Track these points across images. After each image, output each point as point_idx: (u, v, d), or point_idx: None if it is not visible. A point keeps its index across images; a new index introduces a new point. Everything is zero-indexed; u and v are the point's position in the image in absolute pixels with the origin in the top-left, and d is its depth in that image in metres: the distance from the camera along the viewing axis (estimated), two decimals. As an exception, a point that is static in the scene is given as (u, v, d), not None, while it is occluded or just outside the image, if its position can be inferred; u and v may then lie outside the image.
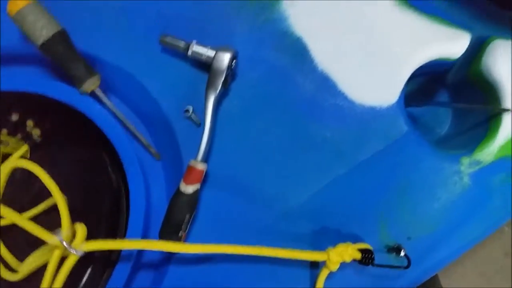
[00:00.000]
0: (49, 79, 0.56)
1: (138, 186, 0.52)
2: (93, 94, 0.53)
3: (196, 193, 0.51)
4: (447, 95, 0.65)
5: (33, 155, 0.56)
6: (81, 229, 0.46)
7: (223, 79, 0.50)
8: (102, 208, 0.57)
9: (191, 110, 0.53)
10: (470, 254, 0.88)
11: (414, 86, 0.65)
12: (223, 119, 0.55)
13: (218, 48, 0.51)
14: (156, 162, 0.56)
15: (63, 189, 0.49)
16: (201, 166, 0.51)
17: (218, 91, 0.51)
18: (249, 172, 0.54)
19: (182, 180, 0.50)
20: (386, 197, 0.54)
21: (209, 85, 0.51)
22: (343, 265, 0.51)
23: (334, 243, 0.51)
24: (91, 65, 0.53)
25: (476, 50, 0.58)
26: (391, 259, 0.55)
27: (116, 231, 0.56)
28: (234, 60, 0.52)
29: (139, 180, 0.52)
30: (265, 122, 0.55)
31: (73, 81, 0.51)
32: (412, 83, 0.66)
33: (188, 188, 0.50)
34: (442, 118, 0.64)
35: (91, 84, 0.52)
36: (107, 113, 0.52)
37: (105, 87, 0.55)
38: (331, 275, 0.52)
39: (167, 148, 0.56)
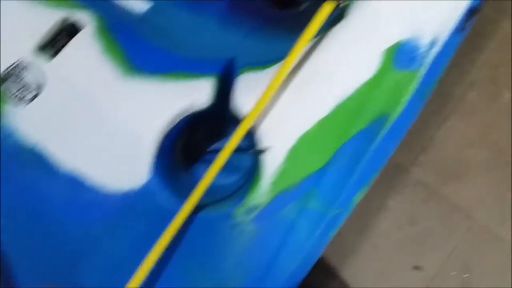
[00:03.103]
0: None
1: None
2: None
3: None
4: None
5: None
6: None
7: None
8: None
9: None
10: (364, 236, 0.87)
11: (202, 131, 0.62)
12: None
13: None
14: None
15: None
16: None
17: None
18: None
19: None
20: (177, 274, 0.53)
21: None
22: None
23: None
24: None
25: (227, 90, 0.55)
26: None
27: None
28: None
29: None
30: (39, 238, 0.54)
31: None
32: (198, 131, 0.64)
33: None
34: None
35: None
36: None
37: None
38: None
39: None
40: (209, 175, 0.51)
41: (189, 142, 0.60)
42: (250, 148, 0.53)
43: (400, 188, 0.88)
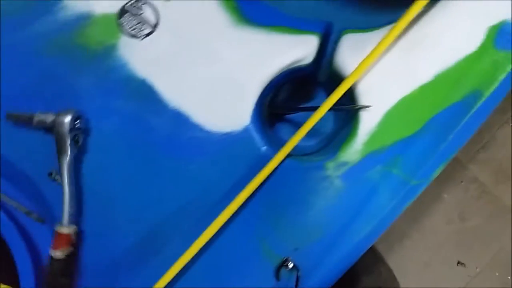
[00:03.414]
0: None
1: (21, 253, 0.54)
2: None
3: (70, 256, 0.53)
4: (324, 94, 0.64)
5: None
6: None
7: (69, 142, 0.52)
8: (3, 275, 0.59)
9: (54, 173, 0.55)
10: (414, 226, 0.89)
11: (289, 91, 0.65)
12: (88, 173, 0.56)
13: (58, 113, 0.52)
14: (42, 226, 0.58)
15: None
16: (66, 230, 0.52)
17: (68, 153, 0.52)
18: (124, 220, 0.55)
19: (51, 245, 0.52)
20: (259, 218, 0.55)
21: (58, 150, 0.52)
22: None
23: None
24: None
25: (330, 49, 0.57)
26: (284, 273, 0.56)
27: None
28: (78, 120, 0.53)
29: (21, 247, 0.54)
30: (132, 170, 0.56)
31: None
32: (285, 89, 0.66)
33: (57, 253, 0.52)
34: (326, 118, 0.63)
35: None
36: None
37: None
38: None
39: (50, 210, 0.58)
40: (307, 126, 0.53)
41: (276, 98, 0.62)
42: (351, 104, 0.55)
43: (456, 183, 0.89)
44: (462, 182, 0.91)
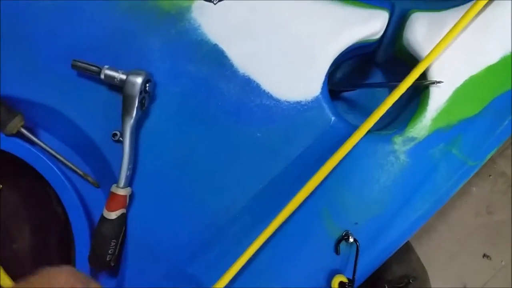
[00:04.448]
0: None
1: (79, 216, 0.53)
2: (19, 134, 0.53)
3: (122, 218, 0.51)
4: (380, 73, 0.65)
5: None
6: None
7: (137, 104, 0.50)
8: (51, 240, 0.58)
9: (118, 134, 0.53)
10: (442, 218, 0.89)
11: (346, 69, 0.65)
12: (151, 136, 0.55)
13: (130, 72, 0.51)
14: (96, 190, 0.57)
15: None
16: (123, 192, 0.51)
17: (134, 115, 0.51)
18: (184, 185, 0.55)
19: (104, 207, 0.51)
20: (323, 189, 0.55)
21: (124, 111, 0.51)
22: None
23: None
24: (13, 106, 0.53)
25: (397, 26, 0.58)
26: (342, 247, 0.55)
27: (69, 260, 0.57)
28: (148, 83, 0.52)
29: (78, 210, 0.53)
30: (195, 133, 0.55)
31: (-2, 125, 0.52)
32: (343, 67, 0.66)
33: (111, 215, 0.50)
34: (379, 98, 0.64)
35: (15, 125, 0.52)
36: (35, 151, 0.53)
37: (33, 123, 0.55)
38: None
39: (105, 174, 0.56)
40: (389, 102, 0.53)
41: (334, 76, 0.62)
42: (421, 79, 0.55)
43: (484, 177, 0.91)
44: (490, 176, 0.92)
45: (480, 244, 0.90)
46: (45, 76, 0.54)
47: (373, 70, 0.67)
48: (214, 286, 0.48)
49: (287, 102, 0.55)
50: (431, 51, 0.53)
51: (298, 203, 0.50)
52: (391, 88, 0.54)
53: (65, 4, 0.55)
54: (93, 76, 0.52)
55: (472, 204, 0.91)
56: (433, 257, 0.90)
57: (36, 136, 0.54)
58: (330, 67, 0.57)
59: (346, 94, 0.67)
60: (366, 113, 0.63)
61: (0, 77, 0.53)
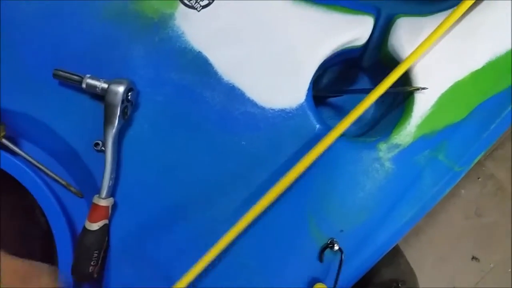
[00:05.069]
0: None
1: (61, 227, 0.53)
2: (0, 144, 0.52)
3: (104, 229, 0.51)
4: (366, 79, 0.65)
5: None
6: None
7: (118, 113, 0.50)
8: (35, 250, 0.57)
9: (101, 144, 0.53)
10: (431, 221, 0.90)
11: (331, 75, 0.65)
12: (134, 145, 0.55)
13: (111, 81, 0.51)
14: (80, 200, 0.56)
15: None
16: (105, 203, 0.51)
17: (115, 125, 0.50)
18: (168, 194, 0.54)
19: (86, 218, 0.50)
20: (309, 195, 0.55)
21: (106, 120, 0.50)
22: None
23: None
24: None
25: (383, 31, 0.58)
26: (326, 254, 0.55)
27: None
28: (131, 92, 0.51)
29: (60, 221, 0.53)
30: (179, 142, 0.55)
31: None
32: (328, 72, 0.66)
33: (93, 226, 0.50)
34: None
35: (-5, 134, 0.51)
36: (16, 161, 0.52)
37: (16, 133, 0.55)
38: None
39: (88, 184, 0.56)
40: (362, 106, 0.53)
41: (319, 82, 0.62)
42: (406, 85, 0.55)
43: (473, 179, 0.91)
44: (479, 178, 0.93)
45: (469, 247, 0.91)
46: (27, 85, 0.54)
47: (359, 76, 0.66)
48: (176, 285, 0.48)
49: (271, 109, 0.55)
50: (411, 54, 0.53)
51: (268, 201, 0.50)
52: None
53: (47, 11, 0.55)
54: (75, 85, 0.51)
55: (461, 207, 0.92)
56: (422, 259, 0.91)
57: (18, 146, 0.54)
58: (315, 73, 0.56)
59: (331, 100, 0.67)
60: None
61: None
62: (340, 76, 0.65)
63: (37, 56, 0.54)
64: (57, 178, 0.54)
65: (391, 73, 0.53)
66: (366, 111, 0.64)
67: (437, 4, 0.58)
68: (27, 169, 0.52)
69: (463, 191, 0.91)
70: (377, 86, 0.53)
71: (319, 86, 0.65)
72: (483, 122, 0.57)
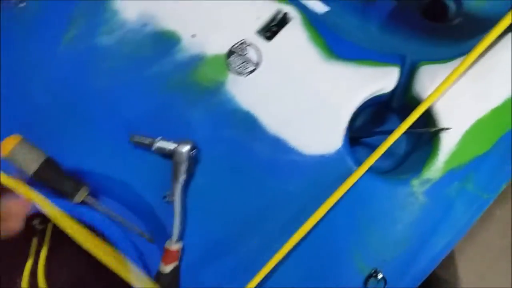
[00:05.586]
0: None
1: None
2: (84, 202, 0.62)
3: (176, 270, 0.59)
4: (396, 119, 0.72)
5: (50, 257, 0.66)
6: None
7: (184, 169, 0.59)
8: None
9: (169, 196, 0.62)
10: (469, 240, 0.94)
11: (365, 117, 0.72)
12: (197, 195, 0.63)
13: (179, 142, 0.60)
14: (152, 245, 0.65)
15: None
16: (175, 247, 0.59)
17: (182, 180, 0.59)
18: (227, 235, 0.62)
19: (161, 261, 0.59)
20: (353, 233, 0.61)
21: (173, 176, 0.60)
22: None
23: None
24: (80, 176, 0.62)
25: (408, 79, 0.65)
26: (371, 283, 0.62)
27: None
28: (194, 150, 0.60)
29: (138, 265, 0.61)
30: (234, 190, 0.63)
31: (66, 196, 0.61)
32: (362, 115, 0.73)
33: (167, 268, 0.58)
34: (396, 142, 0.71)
35: (81, 195, 0.61)
36: (99, 216, 0.62)
37: (98, 190, 0.64)
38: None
39: (159, 231, 0.65)
40: (385, 145, 0.60)
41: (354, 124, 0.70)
42: (431, 127, 0.62)
43: (508, 200, 0.95)
44: (513, 198, 0.96)
45: (509, 265, 0.94)
46: (105, 147, 0.64)
47: (391, 116, 0.74)
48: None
49: (312, 156, 0.63)
50: (429, 96, 0.60)
51: (302, 233, 0.58)
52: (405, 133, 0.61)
53: (118, 84, 0.65)
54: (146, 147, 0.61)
55: (497, 227, 0.95)
56: (463, 278, 0.94)
57: (99, 201, 0.63)
58: (349, 121, 0.64)
59: (367, 139, 0.74)
60: (385, 157, 0.69)
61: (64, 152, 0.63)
62: (373, 117, 0.73)
63: (113, 121, 0.64)
64: (132, 227, 0.64)
65: (410, 115, 0.60)
66: (398, 149, 0.71)
67: (456, 47, 0.66)
68: (108, 222, 0.61)
69: (498, 211, 0.95)
70: (398, 127, 0.60)
71: (354, 127, 0.72)
72: (506, 152, 0.63)
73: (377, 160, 0.61)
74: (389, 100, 0.71)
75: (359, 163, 0.63)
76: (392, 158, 0.72)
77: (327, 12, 0.71)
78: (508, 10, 0.60)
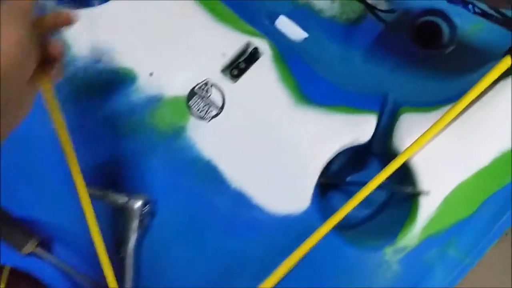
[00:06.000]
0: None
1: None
2: (34, 253, 0.58)
3: None
4: (376, 165, 0.66)
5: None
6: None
7: (137, 223, 0.55)
8: None
9: (122, 251, 0.58)
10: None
11: (341, 160, 0.66)
12: (153, 249, 0.59)
13: (131, 195, 0.55)
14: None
15: None
16: None
17: (135, 235, 0.55)
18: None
19: None
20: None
21: (125, 229, 0.55)
22: None
23: None
24: (31, 225, 0.59)
25: (387, 128, 0.59)
26: None
27: None
28: (147, 205, 0.56)
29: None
30: (192, 244, 0.59)
31: (14, 247, 0.57)
32: (340, 157, 0.67)
33: None
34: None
35: (30, 247, 0.57)
36: (48, 268, 0.58)
37: (51, 237, 0.61)
38: None
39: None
40: (352, 203, 0.54)
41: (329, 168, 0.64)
42: (410, 185, 0.56)
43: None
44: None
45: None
46: (55, 198, 0.59)
47: (371, 160, 0.68)
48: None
49: (277, 215, 0.57)
50: (405, 150, 0.54)
51: None
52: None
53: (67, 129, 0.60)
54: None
55: (489, 266, 0.91)
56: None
57: (50, 251, 0.59)
58: (319, 176, 0.58)
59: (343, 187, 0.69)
60: (362, 205, 0.64)
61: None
62: (352, 160, 0.67)
63: (62, 169, 0.59)
64: (83, 279, 0.60)
65: (384, 169, 0.54)
66: (377, 196, 0.65)
67: (445, 83, 0.59)
68: (57, 274, 0.58)
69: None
70: (371, 181, 0.54)
71: (331, 171, 0.67)
72: (492, 215, 0.58)
73: (353, 209, 0.56)
74: (368, 146, 0.64)
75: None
76: (369, 207, 0.67)
77: (306, 39, 0.65)
78: (500, 57, 0.52)
